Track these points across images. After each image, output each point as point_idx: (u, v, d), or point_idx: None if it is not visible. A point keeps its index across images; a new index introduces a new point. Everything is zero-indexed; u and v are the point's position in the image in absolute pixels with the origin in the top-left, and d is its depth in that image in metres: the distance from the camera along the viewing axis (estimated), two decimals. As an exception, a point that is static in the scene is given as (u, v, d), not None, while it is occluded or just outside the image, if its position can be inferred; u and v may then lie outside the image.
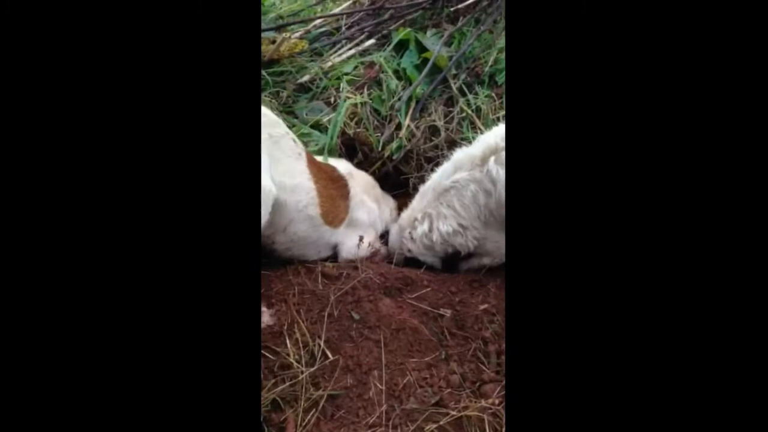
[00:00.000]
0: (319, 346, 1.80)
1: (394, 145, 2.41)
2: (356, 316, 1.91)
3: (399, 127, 2.48)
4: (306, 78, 2.62)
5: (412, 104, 2.55)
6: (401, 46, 2.80)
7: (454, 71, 2.70)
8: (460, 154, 2.20)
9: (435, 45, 2.74)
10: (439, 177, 2.23)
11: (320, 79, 2.60)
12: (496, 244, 2.26)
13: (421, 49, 2.73)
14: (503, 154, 2.02)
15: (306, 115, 2.46)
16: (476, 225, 2.19)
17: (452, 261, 2.39)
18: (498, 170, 2.05)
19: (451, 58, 2.72)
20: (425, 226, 2.25)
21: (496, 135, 2.07)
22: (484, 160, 2.09)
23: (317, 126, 2.34)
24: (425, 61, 2.70)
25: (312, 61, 2.69)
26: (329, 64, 2.65)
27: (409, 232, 2.31)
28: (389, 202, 2.39)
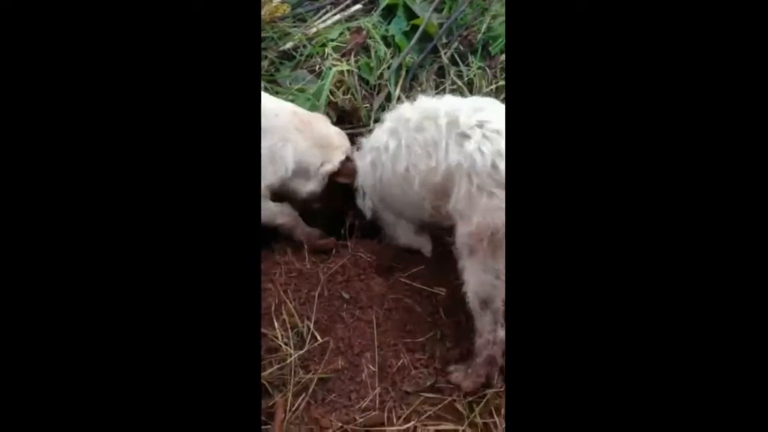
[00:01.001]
0: (309, 327, 1.72)
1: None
2: (347, 296, 1.84)
3: (389, 97, 2.38)
4: (289, 45, 2.50)
5: (402, 74, 2.44)
6: (389, 12, 2.68)
7: (444, 39, 2.59)
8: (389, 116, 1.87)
9: (425, 11, 2.62)
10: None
11: (304, 46, 2.48)
12: (392, 229, 2.06)
13: (410, 14, 2.62)
14: (406, 126, 1.71)
15: (289, 84, 2.35)
16: (374, 195, 1.95)
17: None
18: (390, 141, 1.72)
19: (441, 25, 2.61)
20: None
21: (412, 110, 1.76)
22: (382, 131, 1.81)
23: (301, 95, 2.22)
24: (414, 27, 2.59)
25: (295, 27, 2.56)
26: (313, 30, 2.52)
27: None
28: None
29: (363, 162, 1.96)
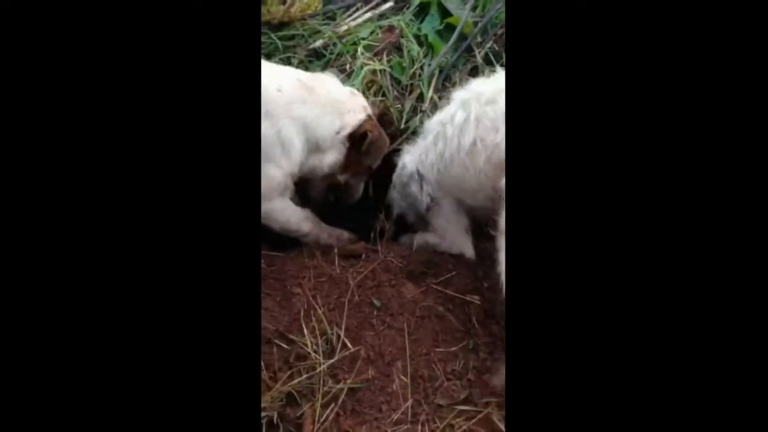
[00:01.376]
0: (338, 335, 1.67)
1: (418, 119, 2.24)
2: (377, 303, 1.78)
3: (420, 98, 2.32)
4: (319, 43, 2.45)
5: (435, 74, 2.37)
6: (421, 10, 2.61)
7: (479, 38, 2.52)
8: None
9: (459, 9, 2.56)
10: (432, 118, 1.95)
11: (334, 44, 2.43)
12: (446, 222, 1.99)
13: (444, 13, 2.56)
14: (473, 99, 1.71)
15: (319, 83, 2.29)
16: (432, 179, 1.90)
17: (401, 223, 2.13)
18: (458, 112, 1.72)
19: (476, 24, 2.54)
20: (401, 161, 1.98)
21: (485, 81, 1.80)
22: (457, 105, 1.79)
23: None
24: (448, 26, 2.52)
25: (325, 24, 2.52)
26: (344, 28, 2.47)
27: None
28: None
29: (425, 141, 1.91)
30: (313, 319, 1.70)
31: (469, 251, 2.02)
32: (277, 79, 1.79)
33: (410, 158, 2.00)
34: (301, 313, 1.70)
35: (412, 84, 2.34)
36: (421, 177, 1.95)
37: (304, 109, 1.78)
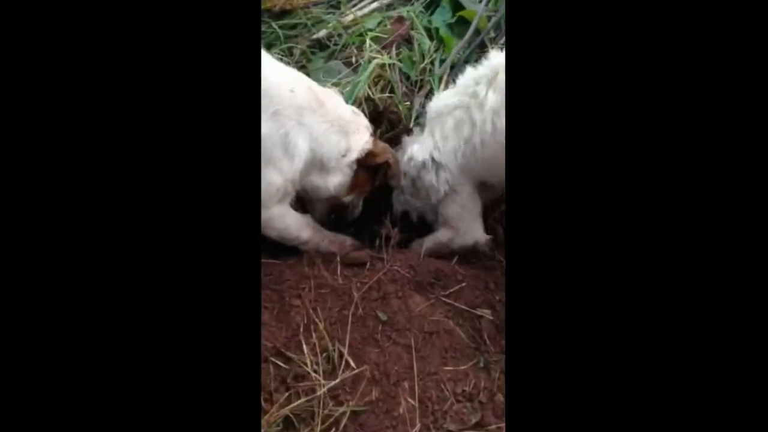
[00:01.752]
0: (341, 352, 1.54)
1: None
2: (383, 317, 1.66)
3: (430, 95, 2.19)
4: (323, 33, 2.32)
5: (447, 70, 2.24)
6: (431, 2, 2.48)
7: (492, 34, 2.39)
8: (461, 78, 1.87)
9: (471, 2, 2.42)
10: (434, 103, 1.90)
11: (339, 35, 2.30)
12: (460, 209, 1.93)
13: (456, 5, 2.42)
14: (501, 78, 1.67)
15: (322, 77, 2.17)
16: (452, 165, 1.85)
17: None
18: (489, 93, 1.70)
19: (489, 18, 2.41)
20: (408, 152, 1.90)
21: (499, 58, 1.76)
22: (478, 82, 1.76)
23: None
24: (460, 20, 2.39)
25: (330, 13, 2.38)
26: (350, 17, 2.33)
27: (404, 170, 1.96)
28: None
29: (442, 127, 1.82)
30: (314, 334, 1.58)
31: (481, 236, 1.97)
32: (291, 80, 1.68)
33: (419, 148, 1.90)
34: (301, 328, 1.58)
35: (422, 80, 2.20)
36: (437, 165, 1.86)
37: (314, 119, 1.66)
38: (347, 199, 1.89)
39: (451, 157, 1.84)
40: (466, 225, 1.95)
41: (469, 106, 1.77)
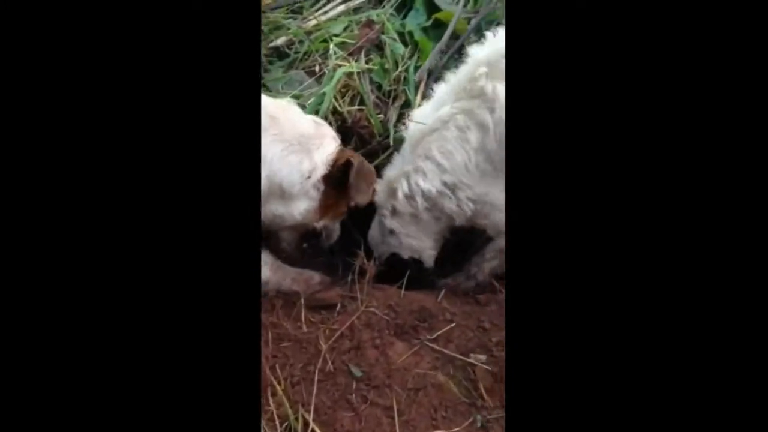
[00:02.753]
0: (305, 421, 1.27)
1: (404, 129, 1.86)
2: (357, 372, 1.39)
3: (406, 105, 1.95)
4: (281, 40, 2.09)
5: (424, 78, 2.03)
6: (403, 4, 2.27)
7: (472, 37, 2.18)
8: (440, 89, 1.67)
9: (448, 3, 2.22)
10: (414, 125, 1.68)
11: (300, 41, 2.06)
12: (500, 213, 1.67)
13: (431, 7, 2.21)
14: (502, 65, 1.47)
15: (281, 88, 1.94)
16: (466, 179, 1.62)
17: (459, 246, 1.82)
18: (495, 87, 1.50)
19: (469, 20, 2.20)
20: (404, 188, 1.65)
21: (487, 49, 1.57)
22: (473, 81, 1.54)
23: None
24: (436, 23, 2.18)
25: (289, 18, 2.14)
26: (312, 22, 2.11)
27: (391, 205, 1.71)
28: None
29: (441, 144, 1.59)
30: (271, 400, 1.29)
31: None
32: None
33: (423, 177, 1.65)
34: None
35: (396, 89, 1.96)
36: (452, 188, 1.63)
37: (266, 140, 1.40)
38: (319, 225, 1.63)
39: (464, 172, 1.61)
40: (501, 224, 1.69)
41: (472, 109, 1.54)
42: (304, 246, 1.80)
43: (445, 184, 1.62)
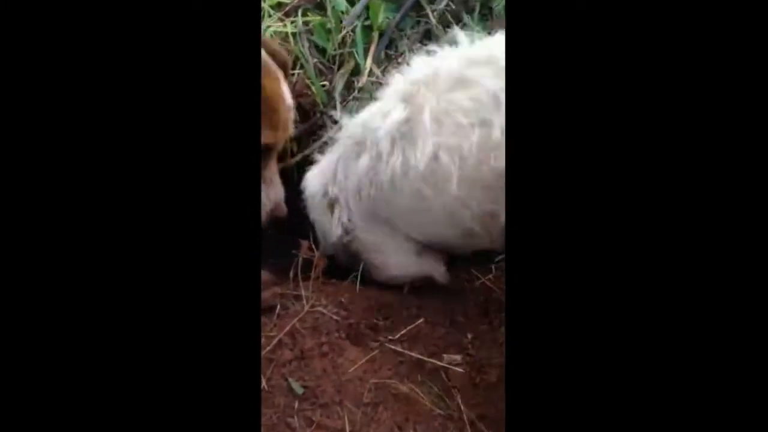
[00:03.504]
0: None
1: (353, 103, 1.65)
2: (299, 389, 1.14)
3: (356, 71, 1.71)
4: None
5: (374, 38, 1.77)
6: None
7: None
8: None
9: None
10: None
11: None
12: (382, 251, 1.39)
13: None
14: (440, 81, 1.16)
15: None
16: (353, 206, 1.34)
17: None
18: (397, 108, 1.17)
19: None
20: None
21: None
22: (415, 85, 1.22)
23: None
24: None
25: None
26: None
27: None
28: None
29: (340, 151, 1.33)
30: None
31: (439, 271, 1.43)
32: None
33: (316, 174, 1.39)
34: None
35: (342, 54, 1.71)
36: (333, 201, 1.35)
37: None
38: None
39: (353, 198, 1.32)
40: (398, 271, 1.42)
41: (375, 126, 1.21)
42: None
43: (327, 191, 1.36)
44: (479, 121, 1.09)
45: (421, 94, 1.15)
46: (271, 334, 1.22)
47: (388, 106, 1.20)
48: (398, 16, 1.87)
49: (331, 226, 1.37)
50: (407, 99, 1.16)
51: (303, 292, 1.31)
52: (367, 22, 1.80)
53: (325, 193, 1.35)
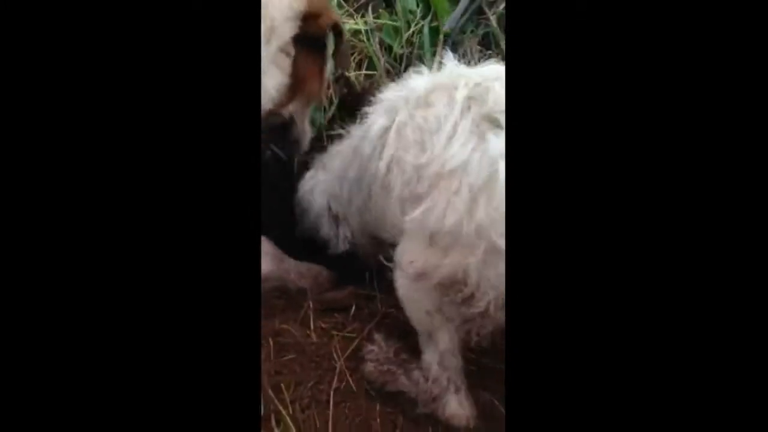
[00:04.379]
0: (321, 457, 1.01)
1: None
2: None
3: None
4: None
5: (440, 42, 1.78)
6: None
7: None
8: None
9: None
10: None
11: None
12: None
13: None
14: (411, 98, 1.12)
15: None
16: (353, 221, 1.35)
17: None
18: (378, 120, 1.16)
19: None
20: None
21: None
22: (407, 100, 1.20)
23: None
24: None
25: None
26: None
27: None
28: None
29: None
30: (276, 429, 1.02)
31: None
32: None
33: (322, 186, 1.40)
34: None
35: (410, 53, 1.70)
36: (336, 217, 1.37)
37: None
38: (287, 111, 1.35)
39: (351, 211, 1.32)
40: None
41: (364, 135, 1.20)
42: (273, 152, 1.52)
43: (330, 207, 1.39)
44: (423, 140, 1.05)
45: (398, 107, 1.13)
46: (350, 334, 1.22)
47: (376, 116, 1.19)
48: (461, 19, 1.86)
49: (337, 240, 1.39)
50: (390, 111, 1.15)
51: (378, 294, 1.31)
52: (433, 23, 1.80)
53: (329, 208, 1.37)
